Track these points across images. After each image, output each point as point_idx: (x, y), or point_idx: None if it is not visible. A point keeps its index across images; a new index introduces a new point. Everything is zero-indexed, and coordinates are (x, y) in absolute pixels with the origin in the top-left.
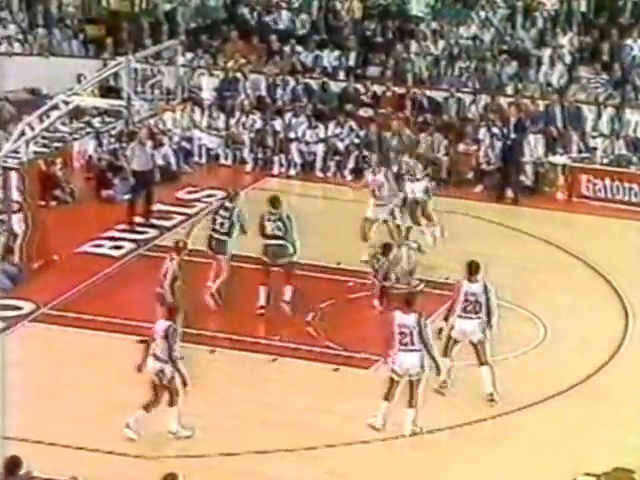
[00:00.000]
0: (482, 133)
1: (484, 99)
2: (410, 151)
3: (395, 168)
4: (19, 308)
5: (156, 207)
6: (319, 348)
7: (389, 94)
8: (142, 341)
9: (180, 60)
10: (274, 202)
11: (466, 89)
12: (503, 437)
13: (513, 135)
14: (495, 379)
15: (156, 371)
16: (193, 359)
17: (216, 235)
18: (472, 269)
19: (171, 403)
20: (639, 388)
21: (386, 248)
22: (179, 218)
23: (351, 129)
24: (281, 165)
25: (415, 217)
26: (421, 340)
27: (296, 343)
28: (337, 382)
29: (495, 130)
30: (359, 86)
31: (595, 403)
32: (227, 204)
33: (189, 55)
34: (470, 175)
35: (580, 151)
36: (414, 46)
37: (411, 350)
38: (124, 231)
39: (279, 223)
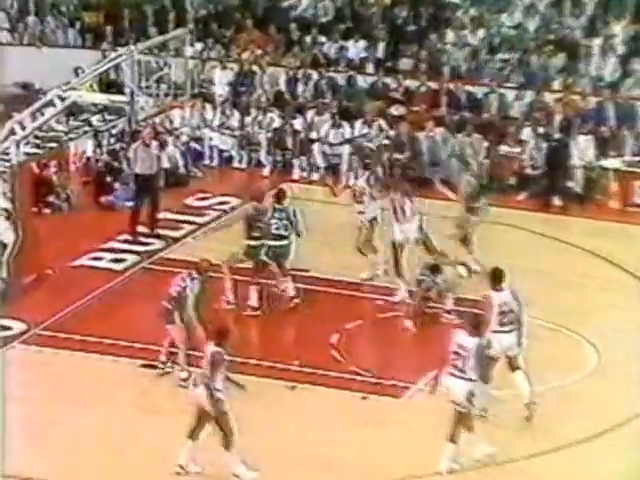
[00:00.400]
0: (526, 133)
1: (529, 95)
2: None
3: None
4: (8, 328)
5: (162, 215)
6: (344, 374)
7: (423, 89)
8: (146, 365)
9: (189, 51)
10: (280, 196)
11: (508, 84)
12: (544, 477)
13: (560, 136)
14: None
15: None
16: None
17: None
18: (497, 277)
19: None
20: None
21: (435, 269)
22: (188, 228)
23: (380, 129)
24: (302, 169)
25: (399, 264)
26: (476, 368)
27: (318, 368)
28: (365, 412)
29: (541, 130)
30: (389, 81)
31: None
32: (258, 205)
33: (199, 46)
34: (513, 181)
35: (635, 154)
36: (450, 36)
37: (461, 377)
38: (126, 242)
39: (285, 222)
